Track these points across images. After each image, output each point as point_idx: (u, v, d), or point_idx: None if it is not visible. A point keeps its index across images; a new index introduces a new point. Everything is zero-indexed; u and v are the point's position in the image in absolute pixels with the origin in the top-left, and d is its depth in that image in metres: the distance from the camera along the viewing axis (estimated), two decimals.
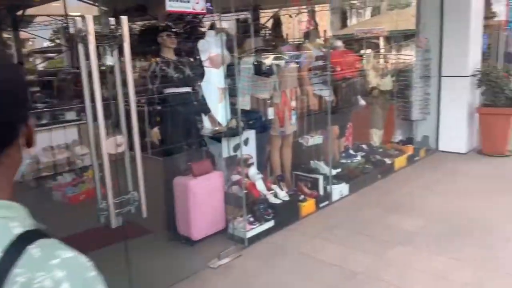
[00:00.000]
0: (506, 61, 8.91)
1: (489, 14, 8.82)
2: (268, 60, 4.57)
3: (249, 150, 4.01)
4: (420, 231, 3.66)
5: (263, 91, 4.09)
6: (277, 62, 4.41)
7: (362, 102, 5.38)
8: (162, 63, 3.56)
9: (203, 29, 6.87)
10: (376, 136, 5.91)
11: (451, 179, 5.03)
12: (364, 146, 5.60)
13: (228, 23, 3.75)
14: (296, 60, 4.63)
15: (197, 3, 2.94)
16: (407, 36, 6.85)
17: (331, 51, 4.95)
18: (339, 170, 4.60)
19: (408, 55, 6.02)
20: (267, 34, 9.90)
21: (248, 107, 4.02)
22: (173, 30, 3.62)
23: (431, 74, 5.99)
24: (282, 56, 4.57)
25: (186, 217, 3.42)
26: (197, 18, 6.23)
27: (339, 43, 5.19)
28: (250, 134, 4.01)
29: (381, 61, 5.94)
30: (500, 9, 10.69)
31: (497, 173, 5.14)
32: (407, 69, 6.01)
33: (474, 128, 6.06)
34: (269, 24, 9.89)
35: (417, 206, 4.22)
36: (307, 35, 5.00)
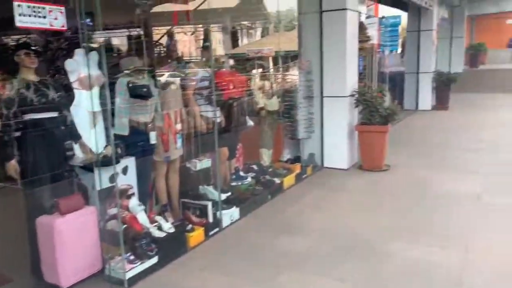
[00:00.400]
0: (380, 81, 9.76)
1: (364, 38, 9.57)
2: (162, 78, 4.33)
3: (129, 180, 3.67)
4: (308, 252, 3.65)
5: (143, 113, 3.80)
6: (159, 81, 4.16)
7: (251, 122, 5.36)
8: (20, 86, 3.10)
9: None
10: (265, 156, 5.92)
11: (336, 195, 5.21)
12: (254, 167, 5.56)
13: (118, 39, 3.43)
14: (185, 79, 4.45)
15: (55, 19, 2.60)
16: (293, 58, 7.07)
17: (218, 71, 4.85)
18: (229, 194, 4.46)
19: (293, 76, 6.17)
20: (162, 52, 9.91)
21: (126, 132, 3.69)
22: (33, 48, 3.16)
23: (313, 94, 6.22)
24: (179, 73, 4.36)
25: (53, 262, 2.96)
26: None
27: (225, 64, 5.11)
28: (130, 162, 3.67)
29: (268, 81, 6.01)
30: (373, 33, 11.75)
31: (376, 188, 5.45)
32: (292, 89, 6.15)
33: (355, 145, 6.41)
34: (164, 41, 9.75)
35: (305, 225, 4.24)
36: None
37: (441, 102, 12.61)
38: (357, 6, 6.28)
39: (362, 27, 9.92)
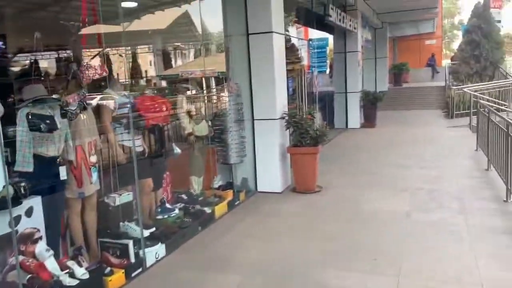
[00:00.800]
0: (311, 101, 9.89)
1: (294, 59, 9.71)
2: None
3: (35, 222, 3.25)
4: None
5: (50, 146, 3.40)
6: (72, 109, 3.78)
7: (178, 149, 5.08)
8: None
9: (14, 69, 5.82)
10: (196, 184, 5.65)
11: (268, 221, 5.04)
12: (184, 196, 5.27)
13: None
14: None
15: None
16: (223, 80, 6.93)
17: (139, 96, 4.56)
18: (153, 229, 4.12)
19: (223, 98, 6.01)
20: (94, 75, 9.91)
21: (30, 168, 3.28)
22: None
23: (244, 117, 6.09)
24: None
25: None
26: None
27: (146, 89, 4.83)
28: (35, 202, 3.26)
29: (197, 105, 5.78)
30: (303, 55, 11.99)
31: (308, 212, 5.37)
32: (222, 113, 5.98)
33: (288, 168, 6.33)
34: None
35: (237, 258, 4.01)
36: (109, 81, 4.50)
37: (368, 120, 13.08)
38: (283, 29, 6.28)
39: (293, 49, 10.09)
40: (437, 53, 26.57)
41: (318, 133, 5.98)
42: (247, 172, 6.26)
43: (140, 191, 4.45)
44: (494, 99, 12.78)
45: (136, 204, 4.14)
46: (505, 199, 5.29)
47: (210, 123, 5.87)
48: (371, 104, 12.94)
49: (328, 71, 13.94)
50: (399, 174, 6.94)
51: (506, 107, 12.26)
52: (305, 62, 10.51)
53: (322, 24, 10.30)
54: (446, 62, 21.12)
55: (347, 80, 12.97)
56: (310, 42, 9.44)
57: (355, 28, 12.21)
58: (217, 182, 5.82)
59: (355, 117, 13.05)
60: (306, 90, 9.75)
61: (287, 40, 9.82)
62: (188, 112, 5.50)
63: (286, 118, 6.13)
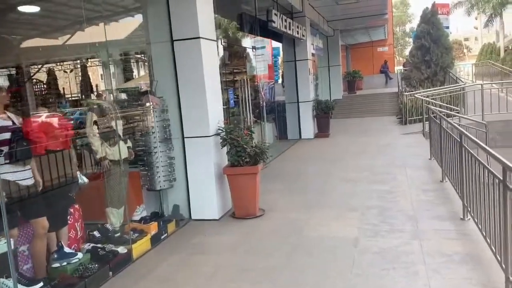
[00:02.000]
0: (262, 112, 9.29)
1: (242, 69, 9.08)
2: None
3: None
4: None
5: None
6: None
7: (83, 179, 4.25)
8: None
9: None
10: (114, 217, 4.82)
11: (197, 259, 4.28)
12: (96, 234, 4.43)
13: None
14: None
15: None
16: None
17: (27, 118, 3.73)
18: (39, 285, 3.27)
19: (145, 115, 5.22)
20: (43, 90, 9.16)
21: None
22: None
23: (172, 135, 5.33)
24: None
25: None
26: None
27: (41, 109, 3.99)
28: None
29: (113, 123, 4.96)
30: (255, 64, 11.40)
31: (245, 243, 4.66)
32: (146, 132, 5.19)
33: (225, 191, 5.60)
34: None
35: None
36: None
37: (322, 130, 12.61)
38: (215, 35, 5.59)
39: (242, 58, 9.47)
40: (389, 60, 26.86)
41: (256, 151, 5.31)
42: (178, 199, 5.49)
43: (33, 234, 3.61)
44: (447, 104, 12.64)
45: (16, 253, 3.28)
46: (462, 217, 4.78)
47: (130, 144, 5.07)
48: (323, 113, 12.48)
49: (280, 80, 13.47)
50: (350, 190, 6.37)
51: (458, 112, 12.13)
52: (258, 71, 9.94)
53: (267, 31, 9.73)
54: (398, 68, 21.23)
55: (298, 89, 12.46)
56: (254, 50, 8.82)
57: (303, 36, 11.74)
58: (139, 213, 5.00)
59: (308, 127, 12.55)
60: (252, 101, 9.12)
61: (241, 50, 9.24)
62: (101, 133, 4.68)
63: (222, 134, 5.42)
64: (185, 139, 5.43)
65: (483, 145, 3.94)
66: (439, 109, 11.95)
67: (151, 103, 4.98)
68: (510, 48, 30.40)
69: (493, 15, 30.10)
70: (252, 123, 7.85)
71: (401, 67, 21.91)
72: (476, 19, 45.38)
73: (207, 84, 5.27)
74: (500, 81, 17.08)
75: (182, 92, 5.34)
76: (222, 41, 6.73)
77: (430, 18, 16.82)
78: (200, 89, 5.26)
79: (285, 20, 9.74)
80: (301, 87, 12.43)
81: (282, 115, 12.64)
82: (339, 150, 10.18)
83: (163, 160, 5.20)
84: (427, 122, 9.40)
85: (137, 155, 5.10)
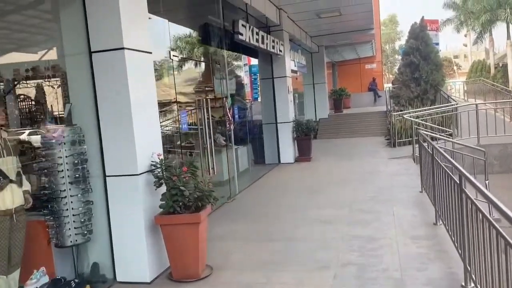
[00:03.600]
0: (234, 133, 8.11)
1: (203, 88, 7.97)
2: None
3: None
4: None
5: None
6: None
7: None
8: None
9: None
10: (2, 286, 3.57)
11: None
12: None
13: None
14: None
15: None
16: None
17: None
18: None
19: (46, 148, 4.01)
20: (32, 107, 8.37)
21: None
22: None
23: (89, 174, 4.12)
24: None
25: None
26: None
27: None
28: None
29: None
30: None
31: None
32: (50, 171, 3.98)
33: (161, 245, 4.36)
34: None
35: None
36: None
37: (303, 153, 11.46)
38: (148, 44, 4.44)
39: (214, 75, 8.35)
40: (378, 77, 26.01)
41: (198, 194, 4.11)
42: (99, 255, 4.26)
43: None
44: (438, 126, 11.59)
45: None
46: (463, 284, 3.61)
47: (28, 187, 3.86)
48: (304, 135, 11.34)
49: (260, 99, 12.41)
50: (324, 237, 5.18)
51: (450, 135, 11.07)
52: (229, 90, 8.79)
53: (237, 45, 8.65)
54: (387, 86, 20.29)
55: (276, 109, 11.35)
56: (218, 65, 7.69)
57: (280, 51, 10.68)
58: (35, 280, 3.74)
59: (288, 151, 11.39)
60: (218, 123, 7.97)
61: (204, 66, 8.14)
62: None
63: (157, 171, 4.23)
64: (107, 178, 4.23)
65: (486, 191, 2.81)
66: (431, 132, 10.91)
67: (51, 135, 3.77)
68: (501, 65, 29.80)
69: (482, 32, 29.49)
70: (212, 150, 6.67)
71: (390, 85, 20.98)
72: (466, 36, 45.06)
73: (134, 107, 4.10)
74: (495, 101, 16.17)
75: (103, 118, 4.16)
76: (172, 54, 5.60)
77: (419, 34, 15.89)
78: (125, 114, 4.08)
79: (257, 33, 8.66)
80: (280, 106, 11.32)
81: (260, 136, 11.49)
82: (319, 177, 9.01)
83: (75, 206, 3.98)
84: (418, 145, 8.33)
85: (35, 203, 3.88)
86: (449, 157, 4.77)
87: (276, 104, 11.31)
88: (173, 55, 5.65)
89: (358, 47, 21.29)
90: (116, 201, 4.21)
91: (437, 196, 5.26)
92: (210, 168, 6.64)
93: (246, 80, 15.53)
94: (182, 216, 4.09)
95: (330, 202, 6.84)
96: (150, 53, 4.49)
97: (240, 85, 12.10)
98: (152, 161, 4.26)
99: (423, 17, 16.42)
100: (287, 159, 11.35)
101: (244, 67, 14.65)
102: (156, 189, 4.25)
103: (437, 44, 20.91)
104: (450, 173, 4.42)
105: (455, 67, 51.75)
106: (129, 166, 4.14)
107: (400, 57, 39.69)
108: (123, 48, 4.02)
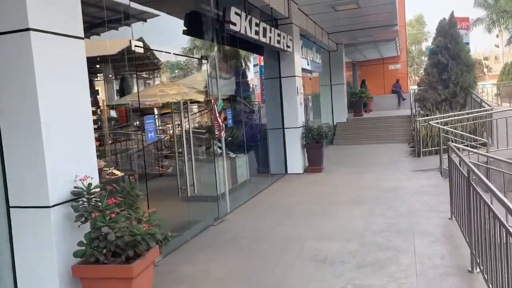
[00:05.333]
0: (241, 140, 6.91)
1: (183, 89, 6.86)
2: None
3: None
4: None
5: None
6: None
7: None
8: None
9: None
10: None
11: None
12: None
13: None
14: None
15: None
16: None
17: None
18: None
19: None
20: None
21: None
22: None
23: None
24: None
25: None
26: None
27: None
28: None
29: None
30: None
31: None
32: None
33: None
34: None
35: None
36: None
37: (313, 162, 10.13)
38: (73, 27, 3.24)
39: (200, 73, 7.20)
40: (402, 78, 24.34)
41: (129, 238, 2.88)
42: None
43: None
44: (469, 135, 10.08)
45: None
46: None
47: None
48: (315, 142, 10.02)
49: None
50: (320, 287, 3.89)
51: (483, 146, 9.56)
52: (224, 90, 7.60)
53: (234, 39, 7.43)
54: (411, 88, 18.68)
55: (283, 113, 10.07)
56: (205, 60, 6.44)
57: (288, 47, 9.40)
58: None
59: (296, 160, 10.09)
60: (203, 129, 6.77)
61: (190, 63, 6.94)
62: None
63: (82, 202, 3.04)
64: (10, 210, 3.06)
65: None
66: (460, 141, 9.42)
67: None
68: None
69: None
70: (192, 163, 5.47)
71: (415, 87, 19.36)
72: (497, 36, 42.68)
73: (45, 113, 2.92)
74: None
75: (4, 127, 3.00)
76: (134, 45, 4.39)
77: (448, 31, 14.34)
78: (30, 122, 2.90)
79: (257, 24, 7.40)
80: (288, 109, 10.04)
81: (264, 144, 10.23)
82: (328, 195, 7.67)
83: None
84: (446, 156, 6.93)
85: None
86: (490, 184, 3.41)
87: (283, 107, 10.04)
88: (136, 46, 4.45)
89: (381, 45, 19.77)
90: (22, 242, 3.04)
91: (473, 230, 3.92)
92: (189, 186, 5.42)
93: (256, 81, 14.33)
94: (107, 268, 2.88)
95: (337, 230, 5.53)
96: (81, 38, 3.30)
97: (244, 86, 10.86)
98: (76, 188, 3.07)
99: (452, 12, 14.81)
100: (294, 169, 10.05)
101: (254, 67, 13.43)
102: (79, 226, 3.05)
103: (467, 43, 19.14)
104: (491, 206, 3.11)
105: (485, 69, 49.17)
106: (38, 194, 2.96)
107: (427, 58, 37.90)
108: (28, 30, 2.85)
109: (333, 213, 6.38)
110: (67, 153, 3.10)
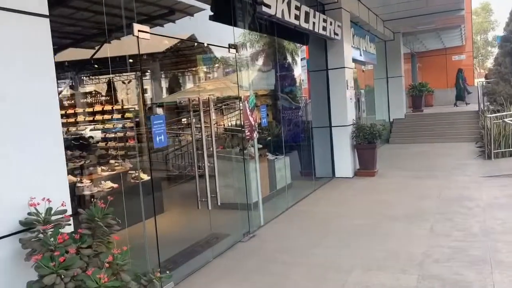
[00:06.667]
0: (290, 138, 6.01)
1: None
2: None
3: None
4: None
5: None
6: None
7: None
8: None
9: None
10: None
11: None
12: None
13: None
14: None
15: None
16: None
17: None
18: None
19: None
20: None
21: None
22: None
23: None
24: None
25: None
26: None
27: None
28: None
29: None
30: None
31: None
32: None
33: None
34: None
35: None
36: None
37: (364, 165, 8.99)
38: (39, 3, 2.48)
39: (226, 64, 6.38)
40: (468, 71, 22.13)
41: None
42: None
43: None
44: None
45: None
46: None
47: None
48: (367, 142, 8.88)
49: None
50: None
51: None
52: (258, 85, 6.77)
53: (272, 26, 6.51)
54: (479, 81, 16.72)
55: (331, 109, 9.01)
56: (233, 50, 5.55)
57: (336, 34, 8.32)
58: None
59: (345, 162, 9.00)
60: (228, 132, 5.93)
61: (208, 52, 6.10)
62: None
63: (38, 233, 2.27)
64: None
65: None
66: None
67: None
68: None
69: None
70: (215, 170, 4.65)
71: (482, 79, 17.38)
72: None
73: None
74: None
75: None
76: (137, 29, 3.58)
77: None
78: None
79: (297, 8, 6.42)
80: (336, 105, 8.97)
81: (310, 143, 9.22)
82: (380, 206, 6.56)
83: None
84: None
85: None
86: None
87: (330, 103, 8.98)
88: (139, 30, 3.67)
89: (444, 34, 17.92)
90: None
91: None
92: (209, 197, 4.59)
93: (304, 75, 13.34)
94: None
95: (389, 255, 4.47)
96: (45, 16, 2.53)
97: (288, 80, 9.91)
98: (29, 214, 2.31)
99: None
100: (343, 172, 8.97)
101: (302, 61, 12.44)
102: (33, 266, 2.29)
103: None
104: None
105: None
106: None
107: (493, 50, 34.60)
108: None
109: (385, 231, 5.30)
110: (17, 169, 2.34)
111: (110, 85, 10.84)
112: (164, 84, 11.59)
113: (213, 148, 4.65)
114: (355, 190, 7.89)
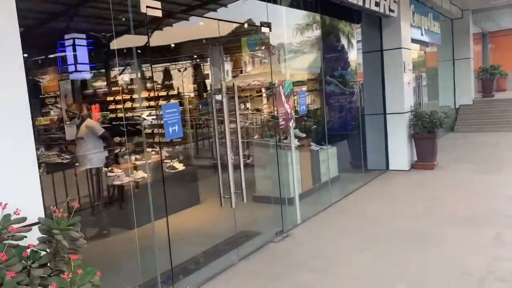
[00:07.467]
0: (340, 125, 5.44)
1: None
2: None
3: None
4: None
5: None
6: None
7: None
8: None
9: None
10: None
11: None
12: None
13: None
14: None
15: None
16: None
17: None
18: None
19: None
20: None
21: None
22: None
23: None
24: None
25: None
26: None
27: None
28: None
29: None
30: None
31: None
32: None
33: None
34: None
35: None
36: None
37: (423, 157, 8.09)
38: None
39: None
40: None
41: None
42: None
43: None
44: None
45: None
46: None
47: None
48: (427, 132, 7.96)
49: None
50: None
51: None
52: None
53: (315, 1, 5.85)
54: None
55: (385, 95, 8.18)
56: (266, 28, 4.95)
57: (392, 10, 7.44)
58: None
59: (400, 153, 8.15)
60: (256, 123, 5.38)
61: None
62: None
63: None
64: None
65: None
66: None
67: None
68: None
69: None
70: (241, 163, 4.17)
71: None
72: None
73: None
74: None
75: None
76: (145, 5, 3.14)
77: None
78: None
79: None
80: (391, 91, 8.12)
81: (362, 131, 8.45)
82: (436, 204, 5.76)
83: None
84: None
85: None
86: None
87: (385, 88, 8.14)
88: (147, 6, 3.22)
89: None
90: None
91: None
92: (233, 194, 4.11)
93: (360, 58, 12.45)
94: None
95: (442, 269, 3.77)
96: None
97: (339, 63, 9.14)
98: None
99: None
100: (398, 165, 8.13)
101: (358, 43, 11.55)
102: None
103: None
104: None
105: None
106: None
107: None
108: None
109: (439, 237, 4.55)
110: None
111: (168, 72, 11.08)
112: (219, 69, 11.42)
113: (238, 139, 4.16)
114: (410, 185, 7.09)
